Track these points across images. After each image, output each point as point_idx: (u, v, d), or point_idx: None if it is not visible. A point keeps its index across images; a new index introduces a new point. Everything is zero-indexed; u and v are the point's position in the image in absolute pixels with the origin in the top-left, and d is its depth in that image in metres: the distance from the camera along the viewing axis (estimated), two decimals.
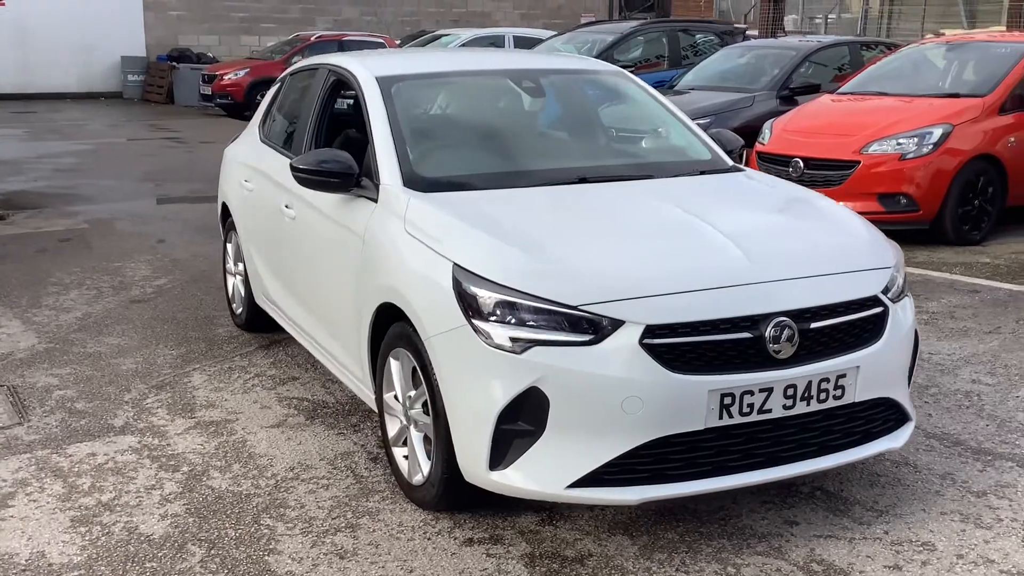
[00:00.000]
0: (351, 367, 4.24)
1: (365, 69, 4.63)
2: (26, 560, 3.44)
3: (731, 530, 3.56)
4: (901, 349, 3.60)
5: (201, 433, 4.51)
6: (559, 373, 3.16)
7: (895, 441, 3.61)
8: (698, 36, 13.24)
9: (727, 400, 3.22)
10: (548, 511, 3.71)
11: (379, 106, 4.35)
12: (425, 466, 3.64)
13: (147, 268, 7.74)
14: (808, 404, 3.34)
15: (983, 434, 4.38)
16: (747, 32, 13.94)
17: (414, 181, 4.00)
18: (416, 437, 3.71)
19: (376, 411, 4.09)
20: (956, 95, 8.57)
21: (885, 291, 3.57)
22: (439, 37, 17.98)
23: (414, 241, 3.67)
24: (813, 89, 10.45)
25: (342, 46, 21.93)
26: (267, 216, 5.17)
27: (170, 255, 8.22)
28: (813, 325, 3.34)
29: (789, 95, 10.51)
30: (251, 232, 5.50)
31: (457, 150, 4.43)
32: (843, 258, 3.62)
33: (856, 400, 3.44)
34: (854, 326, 3.45)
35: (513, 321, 3.25)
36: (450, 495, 3.59)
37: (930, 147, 7.97)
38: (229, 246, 6.16)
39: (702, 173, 4.38)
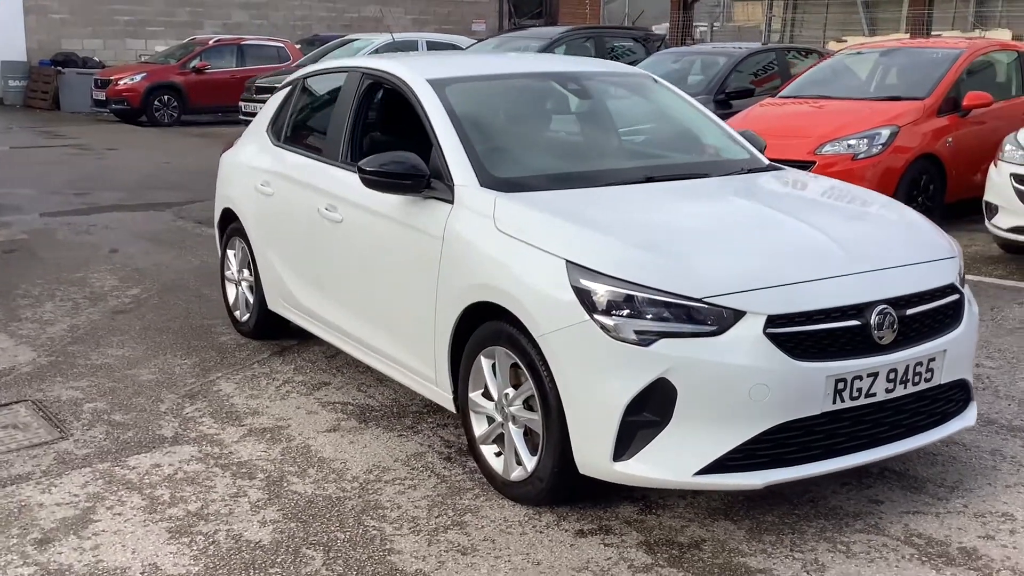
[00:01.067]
0: (419, 369, 4.26)
1: (414, 72, 4.65)
2: (140, 573, 3.36)
3: (824, 511, 3.73)
4: (973, 333, 3.85)
5: (259, 440, 4.45)
6: (688, 364, 3.28)
7: (967, 420, 3.85)
8: (621, 42, 13.55)
9: (840, 385, 3.39)
10: (644, 501, 3.81)
11: (439, 109, 4.38)
12: (529, 462, 3.70)
13: (112, 278, 7.52)
14: (905, 387, 3.54)
15: (1009, 413, 4.67)
16: (665, 39, 14.34)
17: (490, 182, 4.05)
18: (516, 433, 3.76)
19: (453, 411, 4.12)
20: (897, 98, 9.03)
21: (960, 279, 3.81)
22: (350, 42, 17.83)
23: (511, 240, 3.72)
24: (748, 93, 10.83)
25: (241, 50, 21.59)
26: (295, 220, 5.12)
27: (131, 264, 7.99)
28: (908, 312, 3.55)
29: (725, 99, 10.87)
30: (270, 237, 5.44)
31: (522, 151, 4.50)
32: (920, 248, 3.84)
33: (941, 382, 3.66)
34: (939, 312, 3.67)
35: (636, 315, 3.34)
36: (558, 489, 3.66)
37: (879, 147, 8.38)
38: (231, 253, 6.05)
39: (750, 171, 4.55)
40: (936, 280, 3.72)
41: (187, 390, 5.10)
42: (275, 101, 5.80)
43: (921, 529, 3.60)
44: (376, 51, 16.60)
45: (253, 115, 16.35)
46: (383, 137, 5.00)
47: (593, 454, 3.43)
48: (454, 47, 17.02)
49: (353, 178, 4.66)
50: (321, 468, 4.16)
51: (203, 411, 4.81)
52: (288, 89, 5.72)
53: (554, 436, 3.55)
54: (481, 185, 4.04)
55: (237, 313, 6.06)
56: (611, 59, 13.43)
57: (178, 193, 11.65)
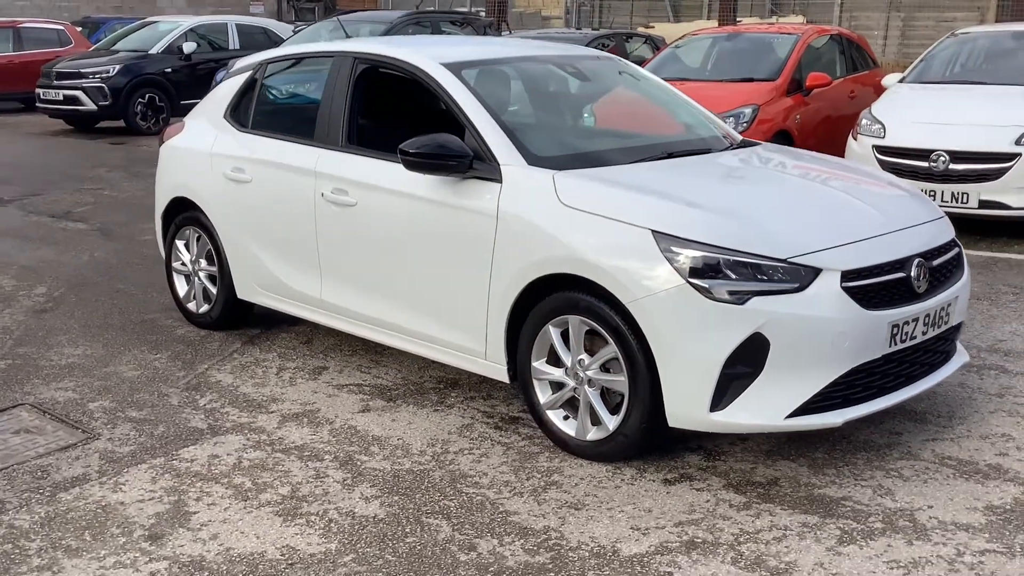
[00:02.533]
0: (463, 344, 4.40)
1: (425, 57, 4.76)
2: (280, 555, 3.39)
3: (860, 446, 4.21)
4: (969, 281, 4.43)
5: (299, 425, 4.47)
6: (780, 318, 3.64)
7: (964, 356, 4.44)
8: (455, 28, 13.80)
9: (894, 330, 3.86)
10: (703, 451, 4.16)
11: (464, 92, 4.53)
12: (610, 421, 3.96)
13: (4, 277, 7.09)
14: (934, 330, 4.06)
15: (992, 358, 5.28)
16: (493, 24, 14.70)
17: (535, 160, 4.25)
18: (593, 395, 4.01)
19: (506, 381, 4.31)
20: (750, 79, 9.78)
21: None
22: (151, 23, 17.09)
23: (584, 214, 3.95)
24: None
25: (18, 34, 20.18)
26: (286, 205, 5.10)
27: (14, 263, 7.55)
28: (934, 263, 4.07)
29: None
30: (248, 223, 5.37)
31: (548, 131, 4.71)
32: (924, 209, 4.38)
33: (952, 324, 4.21)
34: (951, 263, 4.22)
35: (728, 277, 3.68)
36: (641, 444, 3.95)
37: (745, 125, 9.07)
38: (180, 244, 5.91)
39: (741, 146, 4.96)
40: (945, 235, 4.27)
41: (185, 383, 5.00)
42: (230, 87, 5.69)
43: (946, 452, 4.14)
44: (185, 34, 16.04)
45: (55, 103, 15.51)
46: (388, 121, 5.07)
47: (689, 407, 3.74)
48: (266, 32, 16.67)
49: (366, 162, 4.75)
50: (383, 446, 4.25)
51: (219, 402, 4.74)
52: (247, 76, 5.63)
53: (641, 394, 3.83)
54: (529, 164, 4.23)
55: (191, 305, 5.92)
56: None
57: (7, 188, 10.91)
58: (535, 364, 4.17)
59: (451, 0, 24.02)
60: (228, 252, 5.55)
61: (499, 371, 4.33)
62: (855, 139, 8.48)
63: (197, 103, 6.13)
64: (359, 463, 4.08)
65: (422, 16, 13.75)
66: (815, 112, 9.86)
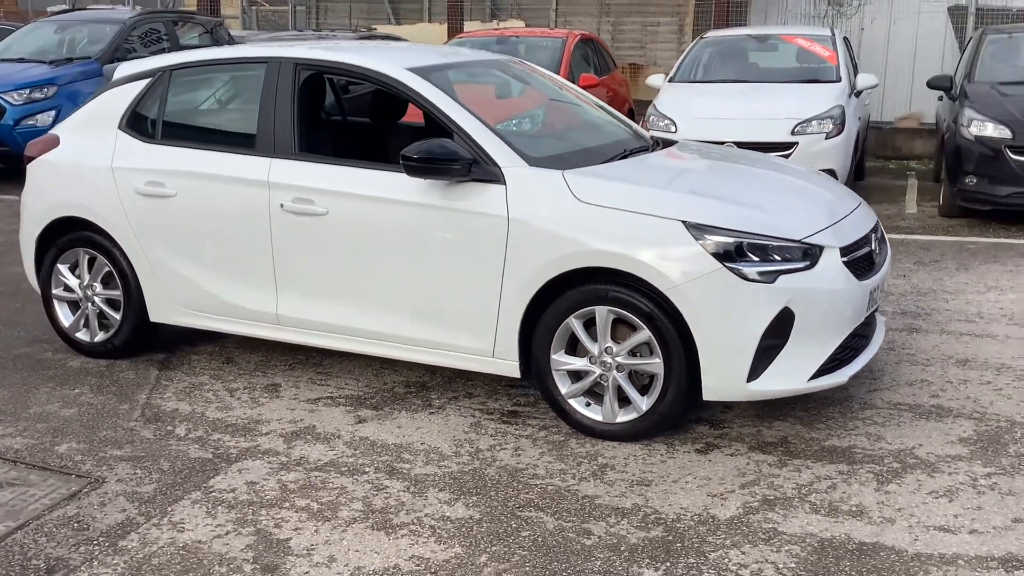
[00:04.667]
0: (468, 345, 4.48)
1: (390, 63, 4.75)
2: (416, 566, 3.37)
3: (825, 402, 4.76)
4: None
5: (308, 442, 4.36)
6: (802, 292, 4.09)
7: (884, 321, 5.13)
8: (190, 28, 13.23)
9: (872, 296, 4.44)
10: (708, 421, 4.54)
11: (442, 96, 4.60)
12: (642, 402, 4.23)
13: None
14: (882, 295, 4.70)
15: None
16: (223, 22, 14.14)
17: (533, 161, 4.42)
18: (623, 380, 4.26)
19: (517, 377, 4.46)
20: None
21: None
22: None
23: (606, 210, 4.18)
24: None
25: None
26: (228, 218, 4.89)
27: None
28: (877, 239, 4.70)
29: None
30: (171, 240, 5.07)
31: (524, 132, 4.84)
32: (851, 194, 5.02)
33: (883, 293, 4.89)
34: (883, 238, 4.89)
35: (755, 259, 4.08)
36: (674, 420, 4.26)
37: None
38: (63, 268, 5.44)
39: (666, 146, 5.37)
40: (872, 214, 4.92)
41: (140, 416, 4.67)
42: (125, 95, 5.30)
43: (893, 399, 4.79)
44: None
45: None
46: (349, 127, 4.98)
47: (727, 380, 4.10)
48: None
49: (334, 169, 4.69)
50: (412, 452, 4.25)
51: (200, 430, 4.49)
52: (147, 83, 5.27)
53: (677, 373, 4.14)
54: (530, 165, 4.39)
55: (82, 335, 5.47)
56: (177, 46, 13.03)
57: None
58: (554, 356, 4.34)
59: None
60: (141, 272, 5.19)
61: (508, 367, 4.46)
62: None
63: None
64: (404, 471, 4.07)
65: (155, 16, 13.04)
66: None
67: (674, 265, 4.06)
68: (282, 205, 4.74)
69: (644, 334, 4.16)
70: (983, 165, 8.53)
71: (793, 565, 3.35)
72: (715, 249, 4.04)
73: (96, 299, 5.39)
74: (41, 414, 4.68)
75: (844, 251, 4.27)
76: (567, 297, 4.26)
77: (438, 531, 3.58)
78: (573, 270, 4.22)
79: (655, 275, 4.07)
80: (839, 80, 9.59)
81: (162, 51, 12.52)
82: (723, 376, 4.10)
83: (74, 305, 5.50)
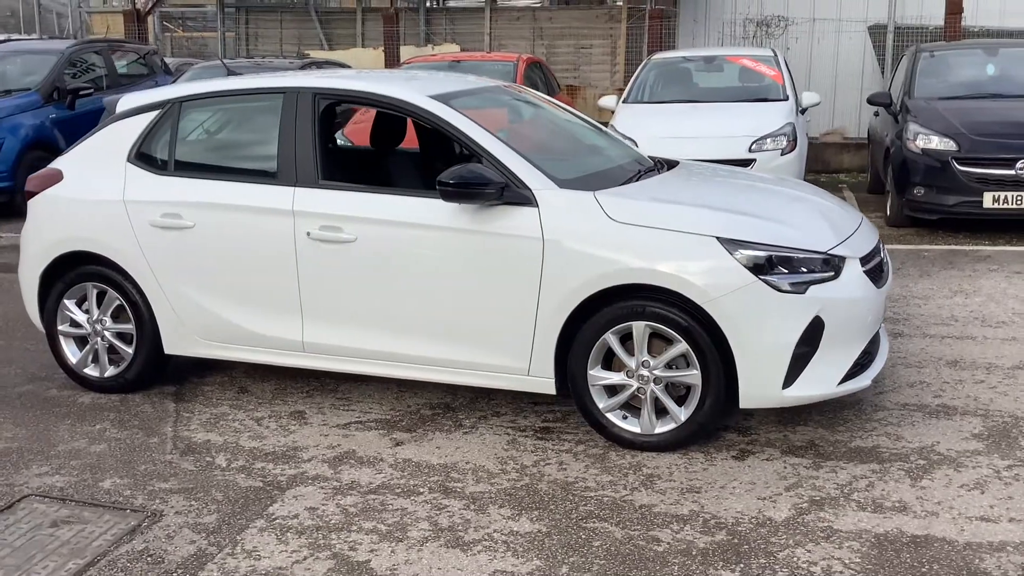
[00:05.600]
0: (505, 364, 4.57)
1: (410, 91, 4.85)
2: (528, 574, 3.46)
3: (839, 406, 4.98)
4: None
5: (354, 467, 4.40)
6: (831, 302, 4.30)
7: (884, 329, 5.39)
8: (122, 56, 13.06)
9: (886, 304, 4.69)
10: (736, 429, 4.72)
11: (469, 123, 4.71)
12: (680, 412, 4.39)
13: None
14: (887, 302, 4.95)
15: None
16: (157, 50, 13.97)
17: (563, 183, 4.56)
18: (660, 392, 4.42)
19: (552, 393, 4.58)
20: None
21: None
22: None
23: (640, 229, 4.34)
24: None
25: None
26: (253, 248, 4.91)
27: None
28: (882, 248, 4.96)
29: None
30: (186, 271, 5.07)
31: (547, 155, 4.96)
32: (853, 210, 5.27)
33: None
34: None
35: (786, 271, 4.28)
36: (711, 429, 4.43)
37: None
38: (69, 303, 5.39)
39: (670, 166, 5.54)
40: (875, 228, 5.18)
41: (172, 448, 4.66)
42: (132, 128, 5.28)
43: (901, 400, 5.04)
44: None
45: None
46: (370, 155, 5.05)
47: (764, 388, 4.28)
48: None
49: (361, 197, 4.76)
50: (460, 471, 4.33)
51: (241, 460, 4.50)
52: (155, 115, 5.25)
53: (714, 384, 4.31)
54: (560, 186, 4.53)
55: (90, 370, 5.42)
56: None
57: None
58: (591, 371, 4.48)
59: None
60: (155, 304, 5.17)
61: (544, 385, 4.58)
62: None
63: None
64: (458, 490, 4.15)
65: (91, 45, 12.83)
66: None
67: (712, 279, 4.23)
68: (308, 233, 4.78)
69: (681, 347, 4.32)
70: (930, 176, 8.95)
71: (859, 560, 3.53)
72: (749, 263, 4.22)
73: (106, 333, 5.34)
74: (71, 451, 4.63)
75: (863, 261, 4.50)
76: (605, 313, 4.40)
77: (512, 546, 3.67)
78: (609, 287, 4.36)
79: (694, 290, 4.24)
80: (787, 98, 9.96)
81: (100, 79, 12.38)
82: (760, 384, 4.28)
83: (81, 341, 5.44)
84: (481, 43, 16.21)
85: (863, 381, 4.49)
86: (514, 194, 4.50)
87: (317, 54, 15.97)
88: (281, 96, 5.03)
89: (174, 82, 12.19)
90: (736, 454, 4.44)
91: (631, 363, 4.42)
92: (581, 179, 4.68)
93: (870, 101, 10.35)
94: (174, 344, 5.22)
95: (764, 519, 3.84)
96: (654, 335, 4.38)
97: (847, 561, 3.52)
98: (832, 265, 4.36)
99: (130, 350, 5.31)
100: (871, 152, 11.95)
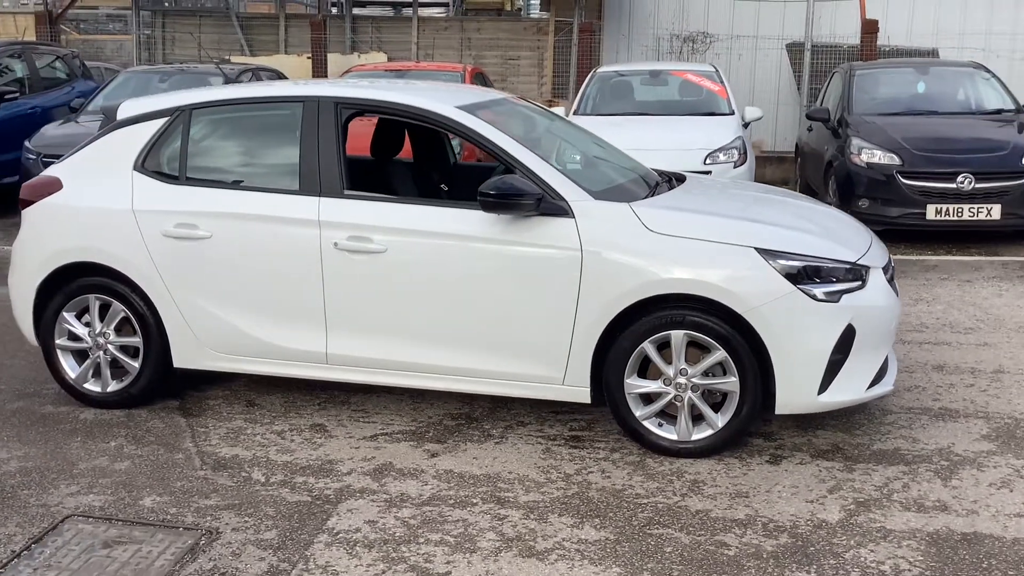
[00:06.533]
0: (540, 374, 4.60)
1: (438, 102, 4.85)
2: None
3: (848, 411, 5.16)
4: None
5: (397, 479, 4.37)
6: (863, 310, 4.47)
7: None
8: (39, 59, 12.62)
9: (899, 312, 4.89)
10: (761, 434, 4.85)
11: (499, 134, 4.73)
12: (718, 419, 4.49)
13: None
14: None
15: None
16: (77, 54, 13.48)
17: (597, 195, 4.63)
18: (698, 399, 4.51)
19: (587, 402, 4.63)
20: None
21: None
22: None
23: (679, 240, 4.43)
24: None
25: None
26: (275, 259, 4.83)
27: None
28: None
29: None
30: (201, 283, 4.95)
31: (573, 167, 5.01)
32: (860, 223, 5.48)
33: None
34: None
35: (821, 281, 4.43)
36: (746, 434, 4.54)
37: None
38: (69, 316, 5.21)
39: (678, 179, 5.65)
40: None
41: (201, 464, 4.54)
42: (138, 136, 5.13)
43: (904, 405, 5.25)
44: None
45: None
46: (397, 165, 5.01)
47: (800, 394, 4.41)
48: None
49: (391, 207, 4.74)
50: (506, 481, 4.34)
51: (280, 475, 4.42)
52: (163, 122, 5.12)
53: (751, 390, 4.43)
54: (595, 198, 4.59)
55: (91, 385, 5.24)
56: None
57: None
58: (628, 380, 4.54)
59: None
60: (166, 316, 5.04)
61: (579, 394, 4.63)
62: None
63: None
64: (511, 499, 4.16)
65: (9, 47, 12.35)
66: None
67: (751, 289, 4.34)
68: (335, 243, 4.73)
69: (720, 355, 4.42)
70: (875, 189, 9.31)
71: (921, 558, 3.68)
72: (786, 272, 4.35)
73: (110, 347, 5.17)
74: (95, 469, 4.47)
75: (884, 271, 4.68)
76: (644, 323, 4.47)
77: (586, 554, 3.71)
78: (648, 297, 4.44)
79: (734, 299, 4.35)
80: (732, 113, 10.23)
81: (23, 81, 11.95)
82: (797, 391, 4.41)
83: (80, 355, 5.25)
84: (408, 52, 16.16)
85: (886, 386, 4.67)
86: (550, 205, 4.53)
87: (238, 59, 15.66)
88: (300, 105, 4.97)
89: (102, 87, 11.82)
90: (769, 458, 4.56)
91: (669, 371, 4.50)
92: (612, 190, 4.75)
93: (809, 116, 10.71)
94: (184, 357, 5.09)
95: (819, 521, 3.96)
96: (690, 343, 4.47)
97: (911, 560, 3.66)
98: (860, 275, 4.52)
99: (136, 364, 5.15)
100: (801, 165, 12.34)
